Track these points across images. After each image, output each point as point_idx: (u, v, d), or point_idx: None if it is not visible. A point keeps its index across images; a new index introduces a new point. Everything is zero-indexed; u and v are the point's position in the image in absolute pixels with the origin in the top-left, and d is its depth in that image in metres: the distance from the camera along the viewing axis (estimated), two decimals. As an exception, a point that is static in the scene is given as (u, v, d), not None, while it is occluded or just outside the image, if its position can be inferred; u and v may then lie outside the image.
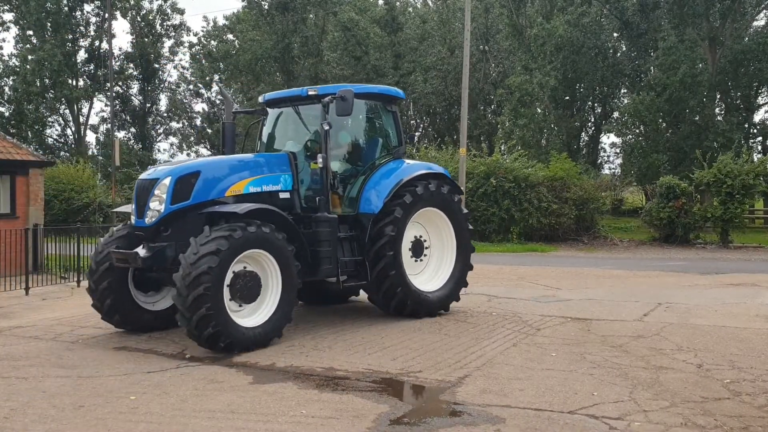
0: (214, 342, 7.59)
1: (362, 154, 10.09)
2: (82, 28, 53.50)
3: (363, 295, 10.35)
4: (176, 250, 8.08)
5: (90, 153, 54.32)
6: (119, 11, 54.04)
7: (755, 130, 41.00)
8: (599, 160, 47.01)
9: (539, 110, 40.52)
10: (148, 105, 58.02)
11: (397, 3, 49.93)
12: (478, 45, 45.10)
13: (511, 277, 15.06)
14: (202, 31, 62.93)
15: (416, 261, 9.96)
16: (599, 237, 26.22)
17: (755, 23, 39.72)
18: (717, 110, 38.93)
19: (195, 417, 5.49)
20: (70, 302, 12.35)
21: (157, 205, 8.25)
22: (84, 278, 14.97)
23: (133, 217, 8.64)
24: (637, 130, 40.99)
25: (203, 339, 7.60)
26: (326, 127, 9.02)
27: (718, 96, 38.66)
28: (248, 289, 7.93)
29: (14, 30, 52.83)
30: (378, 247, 9.27)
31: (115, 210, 12.75)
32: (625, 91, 46.04)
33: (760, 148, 41.33)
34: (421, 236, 10.04)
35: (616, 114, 45.80)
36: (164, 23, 56.97)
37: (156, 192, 8.26)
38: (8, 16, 52.77)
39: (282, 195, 9.04)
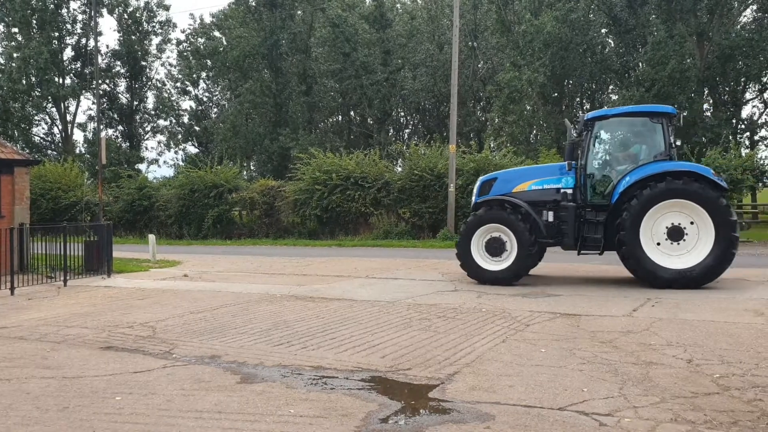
0: (465, 269, 13.24)
1: (631, 157, 12.83)
2: (68, 25, 53.08)
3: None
4: None
5: (77, 151, 53.95)
6: (106, 8, 53.66)
7: (743, 125, 41.23)
8: (588, 156, 47.04)
9: (528, 107, 40.60)
10: (136, 103, 57.68)
11: (385, -1, 49.83)
12: (466, 41, 45.10)
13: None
14: (189, 28, 62.67)
15: (672, 243, 12.02)
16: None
17: (742, 19, 39.93)
18: (705, 105, 39.11)
19: (182, 417, 5.42)
20: (56, 302, 12.21)
21: (474, 198, 13.77)
22: (70, 277, 14.87)
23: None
24: (626, 126, 41.03)
25: (462, 266, 13.28)
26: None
27: (706, 91, 38.82)
28: (494, 248, 12.88)
29: (-1, 27, 52.32)
30: (617, 225, 12.08)
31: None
32: (614, 87, 46.18)
33: (747, 143, 41.56)
34: (680, 223, 12.00)
35: (604, 110, 45.86)
36: (151, 20, 56.60)
37: (474, 190, 14.07)
38: (-7, 13, 52.22)
39: (563, 190, 12.90)
